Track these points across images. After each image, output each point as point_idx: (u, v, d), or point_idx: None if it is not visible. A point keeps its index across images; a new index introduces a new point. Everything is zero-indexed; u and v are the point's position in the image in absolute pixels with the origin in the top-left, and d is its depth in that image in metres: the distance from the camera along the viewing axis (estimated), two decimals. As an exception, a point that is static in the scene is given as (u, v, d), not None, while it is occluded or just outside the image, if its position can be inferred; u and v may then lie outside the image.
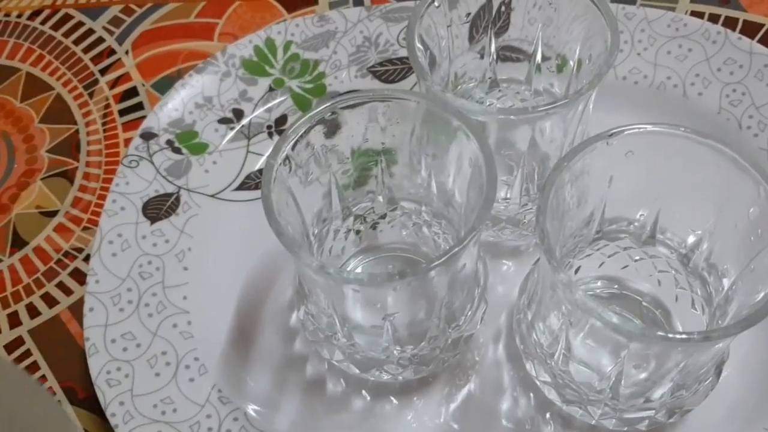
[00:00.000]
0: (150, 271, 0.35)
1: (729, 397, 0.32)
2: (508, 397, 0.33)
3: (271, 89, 0.41)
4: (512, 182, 0.34)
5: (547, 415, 0.32)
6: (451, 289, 0.29)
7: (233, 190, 0.39)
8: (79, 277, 0.38)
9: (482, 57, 0.37)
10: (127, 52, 0.46)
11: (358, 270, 0.35)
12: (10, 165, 0.42)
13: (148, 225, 0.36)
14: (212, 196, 0.38)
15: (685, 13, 0.45)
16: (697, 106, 0.39)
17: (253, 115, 0.40)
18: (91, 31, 0.47)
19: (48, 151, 0.42)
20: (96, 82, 0.45)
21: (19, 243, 0.39)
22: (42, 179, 0.41)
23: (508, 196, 0.35)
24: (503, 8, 0.36)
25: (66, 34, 0.47)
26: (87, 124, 0.43)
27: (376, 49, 0.42)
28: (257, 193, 0.38)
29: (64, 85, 0.45)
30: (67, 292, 0.37)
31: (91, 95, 0.44)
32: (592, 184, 0.30)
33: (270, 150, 0.29)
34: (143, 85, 0.44)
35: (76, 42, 0.46)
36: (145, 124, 0.39)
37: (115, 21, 0.47)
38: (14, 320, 0.37)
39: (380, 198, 0.34)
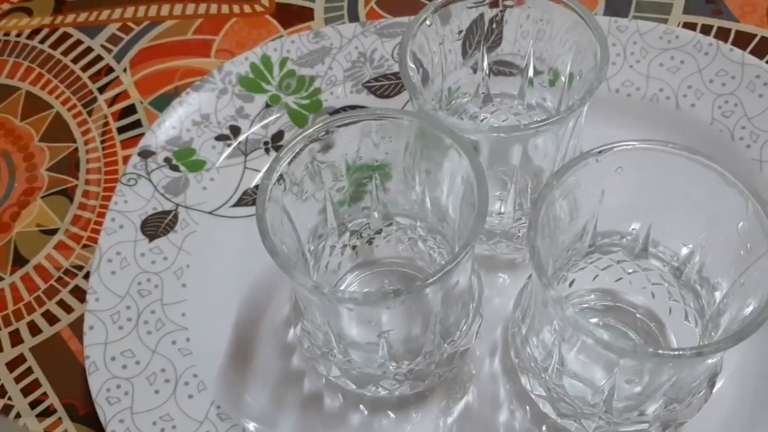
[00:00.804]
0: (149, 288, 0.35)
1: (723, 409, 0.32)
2: (504, 411, 0.33)
3: (267, 106, 0.41)
4: (506, 197, 0.35)
5: (543, 428, 0.33)
6: (445, 305, 0.30)
7: (231, 206, 0.39)
8: (80, 294, 0.38)
9: (475, 72, 0.37)
10: (125, 70, 0.46)
11: (355, 285, 0.35)
12: (11, 183, 0.42)
13: (146, 243, 0.37)
14: (210, 212, 0.38)
15: (678, 25, 0.45)
16: (690, 118, 0.39)
17: (250, 132, 0.41)
18: (89, 50, 0.47)
19: (48, 170, 0.43)
20: (95, 100, 0.45)
21: (20, 261, 0.39)
22: (42, 197, 0.42)
23: (502, 210, 0.35)
24: (495, 24, 0.36)
25: (65, 53, 0.47)
26: (86, 142, 0.43)
27: (371, 65, 0.42)
28: (254, 209, 0.38)
29: (63, 103, 0.45)
30: (68, 309, 0.38)
31: (90, 113, 0.45)
32: (583, 199, 0.30)
33: (266, 167, 0.29)
34: (141, 102, 0.45)
35: (75, 60, 0.47)
36: (142, 143, 0.40)
37: (113, 39, 0.47)
38: (16, 338, 0.37)
39: (375, 214, 0.35)
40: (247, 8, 0.48)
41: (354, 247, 0.35)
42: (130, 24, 0.48)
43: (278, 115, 0.41)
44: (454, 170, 0.30)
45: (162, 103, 0.44)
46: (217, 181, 0.39)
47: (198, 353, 0.34)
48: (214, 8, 0.48)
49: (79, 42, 0.48)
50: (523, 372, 0.32)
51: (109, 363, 0.33)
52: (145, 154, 0.39)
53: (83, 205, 0.41)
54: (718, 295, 0.30)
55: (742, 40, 0.44)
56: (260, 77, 0.42)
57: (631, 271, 0.33)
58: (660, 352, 0.25)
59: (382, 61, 0.42)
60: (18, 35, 0.48)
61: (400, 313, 0.29)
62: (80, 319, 0.36)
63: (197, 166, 0.39)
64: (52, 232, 0.40)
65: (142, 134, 0.42)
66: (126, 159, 0.42)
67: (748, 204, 0.27)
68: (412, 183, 0.34)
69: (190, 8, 0.49)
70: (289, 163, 0.30)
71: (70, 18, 0.49)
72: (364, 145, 0.32)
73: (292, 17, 0.48)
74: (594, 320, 0.34)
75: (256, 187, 0.39)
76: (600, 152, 0.28)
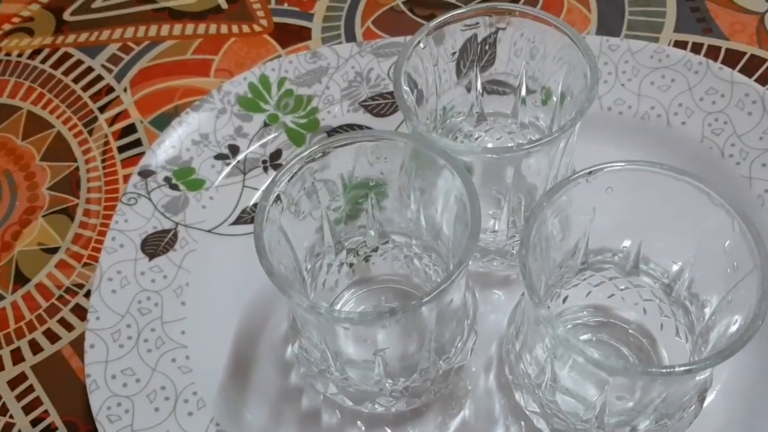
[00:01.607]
0: (149, 306, 0.36)
1: (714, 423, 0.32)
2: (499, 426, 0.34)
3: (265, 125, 0.42)
4: (499, 215, 0.35)
5: (538, 443, 0.33)
6: (440, 323, 0.30)
7: (230, 224, 0.40)
8: (81, 312, 0.39)
9: (469, 91, 0.38)
10: (125, 90, 0.47)
11: (352, 302, 0.36)
12: (12, 202, 0.43)
13: (146, 261, 0.37)
14: (209, 231, 0.39)
15: (669, 43, 0.46)
16: (681, 136, 0.40)
17: (249, 151, 0.41)
18: (90, 69, 0.48)
19: (49, 189, 0.43)
20: (95, 119, 0.46)
21: (21, 280, 0.40)
22: (43, 216, 0.42)
23: (496, 228, 0.36)
24: (487, 45, 0.37)
25: (66, 73, 0.48)
26: (87, 161, 0.44)
27: (368, 84, 0.43)
28: (253, 227, 0.39)
29: (64, 122, 0.46)
30: (69, 327, 0.38)
31: (90, 132, 0.45)
32: (574, 218, 0.31)
33: (265, 185, 0.30)
34: (141, 121, 0.45)
35: (76, 80, 0.47)
36: (143, 162, 0.40)
37: (114, 59, 0.48)
38: (17, 356, 0.38)
39: (372, 232, 0.35)
40: (245, 28, 0.49)
41: (351, 265, 0.36)
42: (130, 44, 0.49)
43: (276, 134, 0.42)
44: (447, 190, 0.31)
45: (162, 123, 0.44)
46: (216, 200, 0.40)
47: (197, 371, 0.35)
48: (213, 28, 0.49)
49: (79, 62, 0.48)
50: (517, 388, 0.32)
51: (109, 381, 0.34)
52: (145, 173, 0.40)
53: (84, 223, 0.42)
54: (707, 311, 0.30)
55: (732, 58, 0.45)
56: (258, 97, 0.43)
57: (623, 287, 0.34)
58: (649, 369, 0.25)
59: (378, 80, 0.43)
60: (19, 55, 0.49)
61: (395, 332, 0.30)
62: (81, 338, 0.37)
63: (197, 185, 0.40)
64: (53, 250, 0.41)
65: (143, 153, 0.42)
66: (126, 178, 0.43)
67: (734, 223, 0.27)
68: (407, 201, 0.34)
69: (190, 28, 0.49)
70: (287, 183, 0.30)
71: (71, 38, 0.50)
72: (359, 165, 0.32)
73: (290, 37, 0.48)
74: (587, 336, 0.34)
75: (255, 205, 0.40)
76: (590, 173, 0.29)
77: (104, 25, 0.50)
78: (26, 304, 0.39)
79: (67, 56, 0.49)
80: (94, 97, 0.47)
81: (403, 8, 0.49)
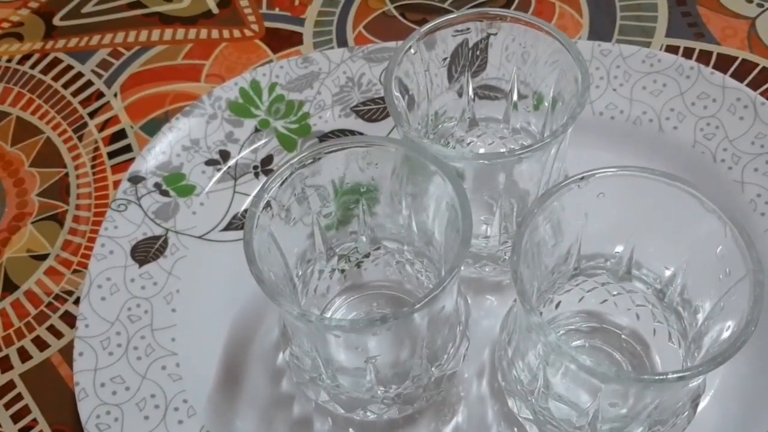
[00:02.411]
0: (138, 314, 0.36)
1: (707, 429, 0.32)
2: (492, 433, 0.34)
3: (256, 130, 0.42)
4: (491, 220, 0.35)
5: (531, 450, 0.33)
6: (432, 329, 0.30)
7: (220, 230, 0.39)
8: (70, 320, 0.38)
9: (461, 96, 0.38)
10: (115, 95, 0.46)
11: (343, 308, 0.36)
12: (0, 209, 0.43)
13: (136, 268, 0.37)
14: (200, 237, 0.39)
15: (661, 48, 0.46)
16: (673, 140, 0.40)
17: (240, 156, 0.41)
18: (80, 75, 0.48)
19: (38, 195, 0.43)
20: (85, 125, 0.45)
21: (10, 287, 0.40)
22: (32, 223, 0.42)
23: (488, 233, 0.36)
24: (479, 50, 0.37)
25: (55, 78, 0.48)
26: (76, 167, 0.44)
27: (359, 89, 0.43)
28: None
29: (54, 128, 0.45)
30: (58, 335, 0.38)
31: (80, 138, 0.45)
32: (567, 224, 0.31)
33: (255, 191, 0.30)
34: (132, 127, 0.45)
35: (66, 86, 0.47)
36: (132, 168, 0.40)
37: (104, 64, 0.48)
38: (5, 364, 0.37)
39: (363, 238, 0.35)
40: (236, 33, 0.49)
41: (342, 271, 0.36)
42: (121, 49, 0.49)
43: (267, 139, 0.42)
44: (439, 195, 0.31)
45: (152, 128, 0.44)
46: (206, 206, 0.40)
47: (188, 378, 0.34)
48: (204, 33, 0.49)
49: (69, 67, 0.48)
50: (510, 395, 0.32)
51: (98, 389, 0.33)
52: (135, 179, 0.40)
53: (73, 230, 0.41)
54: (700, 317, 0.30)
55: (723, 63, 0.45)
56: (249, 102, 0.42)
57: (615, 293, 0.34)
58: (642, 377, 0.25)
59: (369, 85, 0.43)
60: (8, 60, 0.48)
61: (386, 339, 0.30)
62: (70, 345, 0.36)
63: (187, 191, 0.40)
64: (43, 257, 0.41)
65: (133, 159, 0.42)
66: (116, 184, 0.43)
67: (726, 229, 0.27)
68: (398, 207, 0.34)
69: (180, 33, 0.49)
70: (277, 189, 0.30)
71: (61, 43, 0.49)
72: (350, 170, 0.32)
73: (282, 42, 0.48)
74: (580, 342, 0.34)
75: (246, 211, 0.40)
76: (582, 179, 0.29)
77: (94, 30, 0.50)
78: (15, 311, 0.39)
79: (56, 61, 0.48)
80: (84, 103, 0.46)
81: (395, 13, 0.49)
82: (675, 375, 0.25)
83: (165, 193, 0.39)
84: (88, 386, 0.34)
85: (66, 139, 0.45)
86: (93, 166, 0.44)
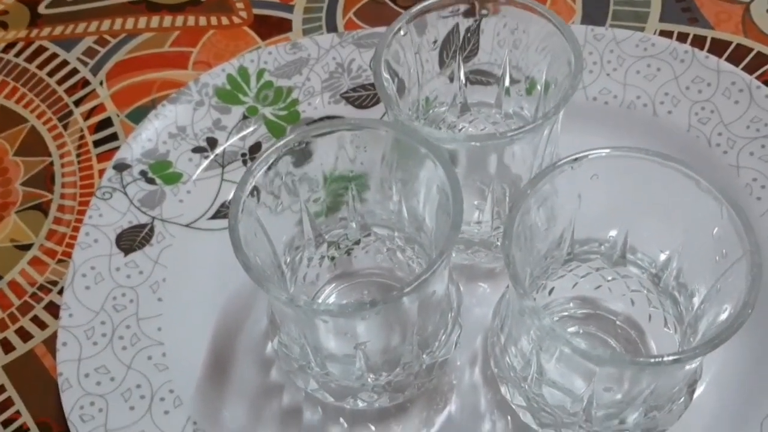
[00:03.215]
0: (124, 303, 0.35)
1: (704, 415, 0.32)
2: (485, 421, 0.33)
3: (244, 117, 0.41)
4: (483, 206, 0.34)
5: (525, 438, 0.32)
6: (422, 315, 0.29)
7: (208, 219, 0.39)
8: (54, 310, 0.37)
9: (452, 81, 0.37)
10: (101, 83, 0.46)
11: (333, 296, 0.35)
12: (-16, 199, 0.42)
13: (121, 257, 0.36)
14: (187, 225, 0.38)
15: (654, 33, 0.45)
16: (667, 125, 0.39)
17: (228, 144, 0.40)
18: (65, 63, 0.47)
19: (22, 184, 0.42)
20: (70, 113, 0.45)
21: (-7, 277, 0.39)
22: (17, 212, 0.41)
23: (480, 219, 0.35)
24: (470, 34, 0.36)
25: (40, 66, 0.47)
26: (61, 156, 0.43)
27: (349, 75, 0.42)
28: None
29: (39, 117, 0.45)
30: (42, 326, 0.37)
31: (65, 127, 0.44)
32: (559, 207, 0.30)
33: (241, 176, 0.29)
34: (118, 115, 0.44)
35: (51, 74, 0.46)
36: (118, 156, 0.39)
37: (90, 52, 0.47)
38: (-11, 356, 0.37)
39: (353, 224, 0.34)
40: (224, 20, 0.48)
41: (332, 258, 0.35)
42: (107, 37, 0.48)
43: (256, 126, 0.41)
44: (429, 180, 0.30)
45: (139, 116, 0.43)
46: (193, 194, 0.39)
47: (174, 368, 0.34)
48: (191, 20, 0.48)
49: (54, 55, 0.47)
50: (503, 381, 0.31)
51: (82, 380, 0.33)
52: (121, 167, 0.39)
53: (58, 219, 0.41)
54: (695, 301, 0.30)
55: (717, 48, 0.44)
56: (237, 89, 0.42)
57: (610, 278, 0.33)
58: (637, 359, 0.25)
59: (359, 71, 0.42)
60: (-7, 49, 0.48)
61: (376, 324, 0.29)
62: (55, 336, 0.35)
63: (174, 178, 0.39)
64: (27, 247, 0.40)
65: (119, 147, 0.41)
66: (102, 173, 0.42)
67: (723, 209, 0.27)
68: (389, 193, 0.33)
69: (167, 20, 0.48)
70: (263, 174, 0.29)
71: (46, 31, 0.48)
72: (339, 155, 0.32)
73: (270, 28, 0.47)
74: (574, 328, 0.33)
75: (234, 199, 0.39)
76: (575, 160, 0.28)
77: (80, 18, 0.49)
78: (-2, 302, 0.38)
79: (41, 50, 0.48)
80: (70, 91, 0.46)
81: (386, -1, 0.48)
82: (671, 358, 0.25)
83: (151, 181, 0.39)
84: (71, 377, 0.33)
85: (51, 127, 0.44)
86: (78, 155, 0.43)
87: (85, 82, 0.46)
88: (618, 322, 0.33)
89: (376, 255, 0.35)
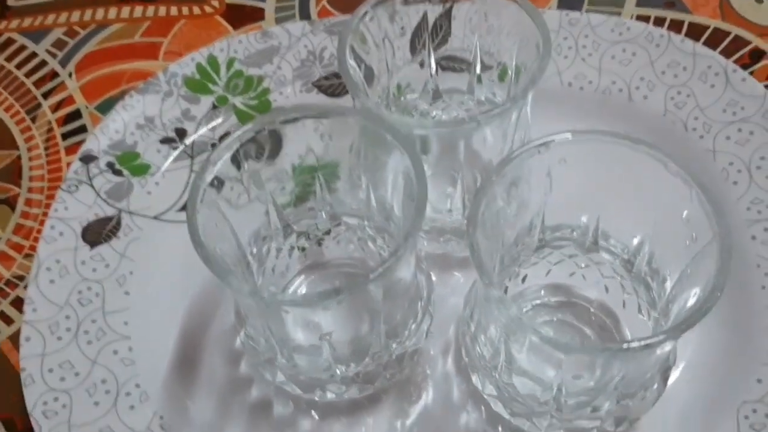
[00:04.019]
0: (90, 297, 0.34)
1: (679, 403, 0.31)
2: (459, 411, 0.32)
3: (214, 107, 0.40)
4: (454, 193, 0.34)
5: (499, 428, 0.32)
6: (389, 303, 0.29)
7: (177, 211, 0.38)
8: (20, 305, 0.36)
9: (423, 68, 0.37)
10: (70, 75, 0.45)
11: (303, 288, 0.35)
12: (-50, 193, 0.41)
13: (87, 250, 0.36)
14: (154, 217, 0.37)
15: (631, 17, 0.45)
16: (643, 110, 0.39)
17: (197, 135, 0.40)
18: (33, 55, 0.46)
19: (-11, 178, 0.41)
20: (39, 106, 0.44)
21: (-42, 273, 0.38)
22: (-17, 207, 0.40)
23: (451, 207, 0.34)
24: (440, 20, 0.35)
25: (9, 59, 0.46)
26: (29, 149, 0.42)
27: (321, 63, 0.41)
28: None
29: (6, 110, 0.44)
30: (8, 321, 0.37)
31: (33, 120, 0.43)
32: (528, 193, 0.30)
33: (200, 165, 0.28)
34: (87, 107, 0.43)
35: (19, 66, 0.46)
36: (84, 147, 0.38)
37: (59, 43, 0.46)
38: (-47, 353, 0.36)
39: (322, 214, 0.34)
40: (196, 9, 0.47)
41: (302, 249, 0.34)
42: (76, 28, 0.47)
43: (226, 116, 0.40)
44: (396, 168, 0.29)
45: (108, 108, 0.42)
46: (162, 186, 0.38)
47: (141, 363, 0.33)
48: (162, 10, 0.47)
49: (23, 47, 0.46)
50: (474, 371, 0.31)
51: (46, 375, 0.32)
52: (87, 159, 0.38)
53: (26, 213, 0.40)
54: (667, 286, 0.29)
55: (695, 32, 0.44)
56: (207, 78, 0.41)
57: (583, 265, 0.33)
58: (604, 346, 0.24)
59: (331, 59, 0.41)
60: (-40, 42, 0.47)
61: (341, 314, 0.29)
62: (20, 332, 0.35)
63: (141, 170, 0.38)
64: (-7, 242, 0.39)
65: (87, 140, 0.40)
66: (70, 165, 0.41)
67: (692, 192, 0.26)
68: (357, 182, 0.33)
69: (138, 11, 0.47)
70: (225, 162, 0.29)
71: (15, 23, 0.48)
72: (307, 143, 0.31)
73: (243, 18, 0.47)
74: (548, 317, 0.33)
75: (203, 190, 0.38)
76: (542, 144, 0.28)
77: (49, 10, 0.48)
78: (-37, 298, 0.37)
79: (10, 42, 0.47)
80: (38, 84, 0.45)
81: (360, -13, 0.48)
82: (638, 343, 0.24)
83: (118, 173, 0.38)
84: (35, 372, 0.32)
85: (18, 120, 0.43)
86: (46, 148, 0.42)
87: (53, 74, 0.45)
88: (592, 310, 0.33)
89: (348, 245, 0.35)
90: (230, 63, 0.41)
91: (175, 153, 0.39)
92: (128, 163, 0.38)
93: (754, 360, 0.32)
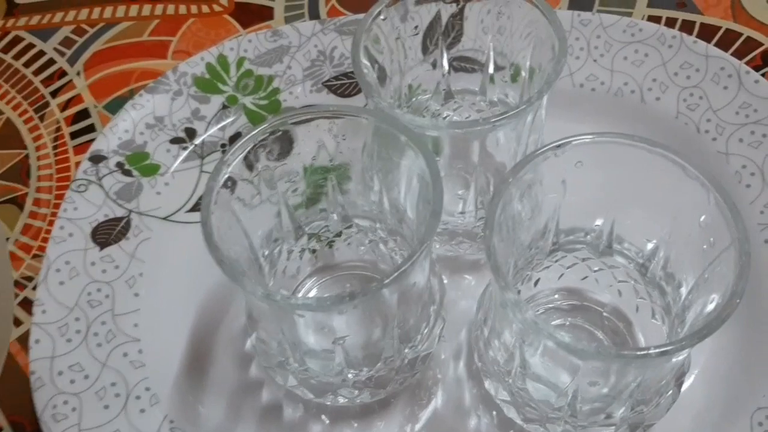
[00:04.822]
0: (99, 298, 0.34)
1: (693, 409, 0.31)
2: (470, 416, 0.32)
3: (224, 107, 0.40)
4: (467, 195, 0.34)
5: (510, 433, 0.32)
6: (403, 308, 0.28)
7: (186, 211, 0.38)
8: (29, 307, 0.36)
9: (435, 68, 0.36)
10: (78, 73, 0.45)
11: (315, 290, 0.34)
12: (-42, 193, 0.41)
13: (97, 251, 0.35)
14: (164, 218, 0.37)
15: (643, 18, 0.44)
16: (655, 112, 0.39)
17: (207, 134, 0.39)
18: (41, 53, 0.46)
19: (-3, 178, 0.41)
20: (47, 104, 0.44)
21: (-34, 273, 0.38)
22: (-9, 206, 0.40)
23: (464, 209, 0.34)
24: (454, 20, 0.35)
25: (16, 57, 0.46)
26: (37, 149, 0.42)
27: (331, 63, 0.41)
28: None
29: (14, 108, 0.44)
30: (16, 322, 0.36)
31: (41, 118, 0.43)
32: (543, 196, 0.29)
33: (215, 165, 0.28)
34: (95, 106, 0.43)
35: (27, 64, 0.45)
36: (93, 147, 0.38)
37: (67, 42, 0.46)
38: (-39, 354, 0.36)
39: (334, 216, 0.34)
40: (205, 8, 0.47)
41: (313, 251, 0.34)
42: (84, 26, 0.47)
43: (235, 116, 0.40)
44: (410, 169, 0.29)
45: (117, 107, 0.42)
46: (171, 186, 0.38)
47: (151, 365, 0.33)
48: (171, 9, 0.47)
49: (31, 45, 0.46)
50: (487, 376, 0.31)
51: (56, 378, 0.32)
52: (96, 159, 0.38)
53: (34, 213, 0.40)
54: (683, 291, 0.29)
55: (706, 33, 0.43)
56: (216, 78, 0.41)
57: (596, 269, 0.32)
58: (622, 353, 0.24)
59: (342, 59, 0.41)
60: (-33, 40, 0.46)
61: (355, 318, 0.28)
62: (28, 333, 0.34)
63: (151, 170, 0.38)
64: (1, 242, 0.39)
65: (96, 139, 0.40)
66: (79, 165, 0.41)
67: (710, 196, 0.26)
68: (370, 184, 0.32)
69: (146, 9, 0.47)
70: (239, 164, 0.28)
71: (22, 21, 0.47)
72: (319, 144, 0.31)
73: (252, 17, 0.46)
74: (560, 320, 0.33)
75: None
76: (558, 146, 0.27)
77: (57, 7, 0.48)
78: (-29, 298, 0.37)
79: (18, 40, 0.46)
80: (46, 82, 0.44)
81: (369, -14, 0.47)
82: (657, 350, 0.24)
83: (128, 173, 0.38)
84: (44, 375, 0.32)
85: (27, 119, 0.43)
86: (55, 147, 0.42)
87: (62, 73, 0.45)
88: (605, 314, 0.33)
89: (359, 247, 0.34)
90: (240, 62, 0.41)
91: (185, 153, 0.39)
92: (138, 163, 0.38)
93: (769, 365, 0.31)
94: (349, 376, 0.30)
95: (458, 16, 0.35)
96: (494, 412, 0.32)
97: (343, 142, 0.31)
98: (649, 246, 0.30)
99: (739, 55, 0.42)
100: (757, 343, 0.32)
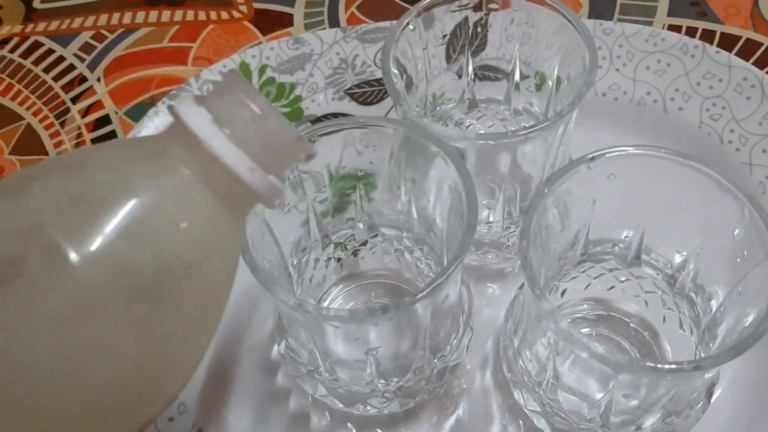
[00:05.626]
0: (125, 306, 0.34)
1: (721, 419, 0.31)
2: (496, 426, 0.32)
3: (246, 114, 0.40)
4: (494, 205, 0.34)
5: (537, 443, 0.32)
6: (435, 320, 0.28)
7: (210, 219, 0.38)
8: (53, 313, 0.36)
9: (460, 77, 0.37)
10: (99, 79, 0.45)
11: (340, 298, 0.34)
12: (-21, 199, 0.41)
13: (122, 259, 0.35)
14: (189, 226, 0.37)
15: (663, 27, 0.45)
16: (678, 121, 0.39)
17: (229, 142, 0.39)
18: (61, 59, 0.46)
19: (19, 184, 0.41)
20: (67, 110, 0.44)
21: (-10, 280, 0.38)
22: (13, 213, 0.40)
23: (491, 219, 0.34)
24: (479, 28, 0.35)
25: (36, 62, 0.46)
26: (59, 155, 0.42)
27: (353, 71, 0.41)
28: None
29: (35, 114, 0.44)
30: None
31: (62, 124, 0.43)
32: (575, 207, 0.29)
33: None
34: (116, 112, 0.43)
35: (47, 70, 0.45)
36: (117, 154, 0.38)
37: (87, 47, 0.46)
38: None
39: (360, 225, 0.34)
40: (224, 14, 0.47)
41: (339, 260, 0.34)
42: (104, 32, 0.47)
43: (258, 124, 0.40)
44: (440, 179, 0.29)
45: (138, 113, 0.42)
46: (195, 193, 0.38)
47: (178, 373, 0.33)
48: (190, 15, 0.47)
49: (50, 51, 0.46)
50: (516, 386, 0.31)
51: (84, 386, 0.32)
52: (120, 166, 0.38)
53: (56, 220, 0.40)
54: (714, 303, 0.29)
55: (727, 43, 0.44)
56: (239, 85, 0.40)
57: (623, 279, 0.32)
58: (658, 366, 0.24)
59: (364, 67, 0.41)
60: (-13, 45, 0.47)
61: (388, 330, 0.28)
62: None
63: (175, 177, 0.38)
64: (24, 248, 0.39)
65: (117, 145, 0.40)
66: (101, 171, 0.41)
67: (744, 210, 0.26)
68: (397, 192, 0.33)
69: (166, 15, 0.47)
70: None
71: (42, 26, 0.47)
72: (347, 154, 0.31)
73: (271, 23, 0.46)
74: (586, 330, 0.33)
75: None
76: (592, 159, 0.27)
77: (76, 13, 0.48)
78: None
79: (37, 45, 0.46)
80: (66, 88, 0.44)
81: (389, -7, 0.48)
82: (692, 364, 0.24)
83: (152, 181, 0.38)
84: (72, 383, 0.32)
85: (48, 125, 0.43)
86: (76, 154, 0.42)
87: (82, 79, 0.45)
88: (632, 324, 0.33)
89: (384, 256, 0.34)
90: (262, 70, 0.41)
91: (208, 160, 0.39)
92: (162, 170, 0.38)
93: (796, 377, 0.31)
94: (379, 386, 0.30)
95: (483, 25, 0.35)
96: (520, 422, 0.32)
97: (371, 151, 0.31)
98: (678, 258, 0.30)
99: (760, 64, 0.42)
100: (783, 354, 0.32)
